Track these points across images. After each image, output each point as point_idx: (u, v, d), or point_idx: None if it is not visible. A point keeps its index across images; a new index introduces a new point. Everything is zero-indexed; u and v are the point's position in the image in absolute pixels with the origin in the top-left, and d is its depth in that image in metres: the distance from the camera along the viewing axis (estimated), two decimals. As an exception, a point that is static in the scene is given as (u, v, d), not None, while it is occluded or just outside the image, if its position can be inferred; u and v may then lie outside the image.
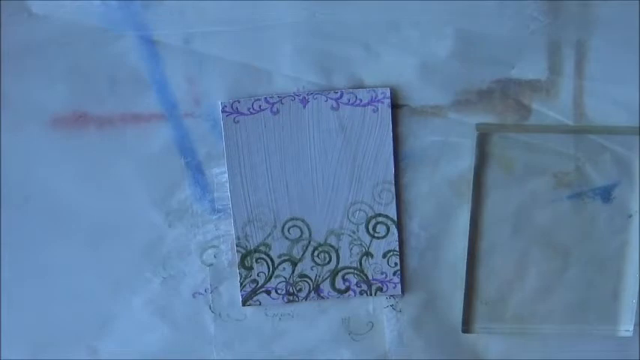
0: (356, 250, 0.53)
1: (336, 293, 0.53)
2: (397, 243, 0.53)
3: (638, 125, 0.50)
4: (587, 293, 0.53)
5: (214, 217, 0.53)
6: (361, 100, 0.51)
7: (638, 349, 0.54)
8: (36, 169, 0.52)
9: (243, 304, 0.54)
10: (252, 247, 0.53)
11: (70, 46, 0.50)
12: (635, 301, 0.52)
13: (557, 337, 0.54)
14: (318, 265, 0.53)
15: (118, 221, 0.53)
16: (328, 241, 0.53)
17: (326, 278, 0.53)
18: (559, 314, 0.53)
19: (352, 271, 0.53)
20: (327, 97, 0.51)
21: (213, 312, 0.54)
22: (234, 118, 0.51)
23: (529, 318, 0.53)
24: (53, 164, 0.52)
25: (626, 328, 0.53)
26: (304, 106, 0.51)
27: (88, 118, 0.51)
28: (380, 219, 0.52)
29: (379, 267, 0.53)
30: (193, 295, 0.54)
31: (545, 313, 0.53)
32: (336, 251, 0.53)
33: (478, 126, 0.51)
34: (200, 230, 0.53)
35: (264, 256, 0.53)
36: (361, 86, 0.51)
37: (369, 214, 0.52)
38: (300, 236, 0.53)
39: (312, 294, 0.54)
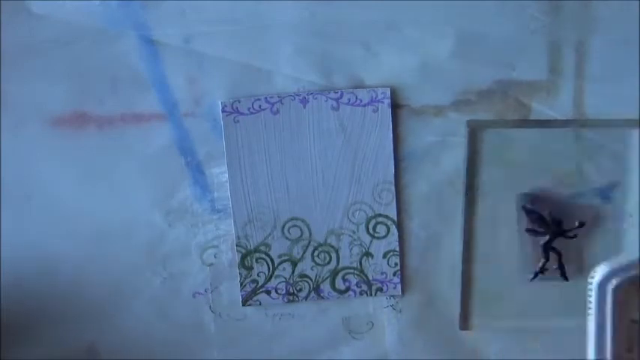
0: (356, 250, 0.53)
1: (336, 293, 0.53)
2: (397, 243, 0.53)
3: (637, 119, 0.50)
4: (586, 288, 0.53)
5: (214, 217, 0.53)
6: (361, 100, 0.51)
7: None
8: (36, 169, 0.52)
9: (243, 304, 0.54)
10: (252, 247, 0.53)
11: (70, 46, 0.50)
12: None
13: (557, 332, 0.54)
14: (318, 265, 0.53)
15: (118, 221, 0.53)
16: (328, 241, 0.53)
17: (326, 278, 0.53)
18: (558, 309, 0.53)
19: (352, 271, 0.53)
20: (327, 97, 0.51)
21: (213, 312, 0.54)
22: (235, 118, 0.51)
23: (528, 313, 0.53)
24: (53, 164, 0.52)
25: None
26: (304, 106, 0.51)
27: (88, 118, 0.51)
28: (380, 219, 0.52)
29: (379, 267, 0.53)
30: (193, 295, 0.54)
31: (544, 308, 0.53)
32: (336, 251, 0.53)
33: (469, 122, 0.51)
34: (200, 230, 0.53)
35: (264, 256, 0.53)
36: (361, 86, 0.51)
37: (369, 214, 0.52)
38: (300, 236, 0.53)
39: (312, 294, 0.54)
